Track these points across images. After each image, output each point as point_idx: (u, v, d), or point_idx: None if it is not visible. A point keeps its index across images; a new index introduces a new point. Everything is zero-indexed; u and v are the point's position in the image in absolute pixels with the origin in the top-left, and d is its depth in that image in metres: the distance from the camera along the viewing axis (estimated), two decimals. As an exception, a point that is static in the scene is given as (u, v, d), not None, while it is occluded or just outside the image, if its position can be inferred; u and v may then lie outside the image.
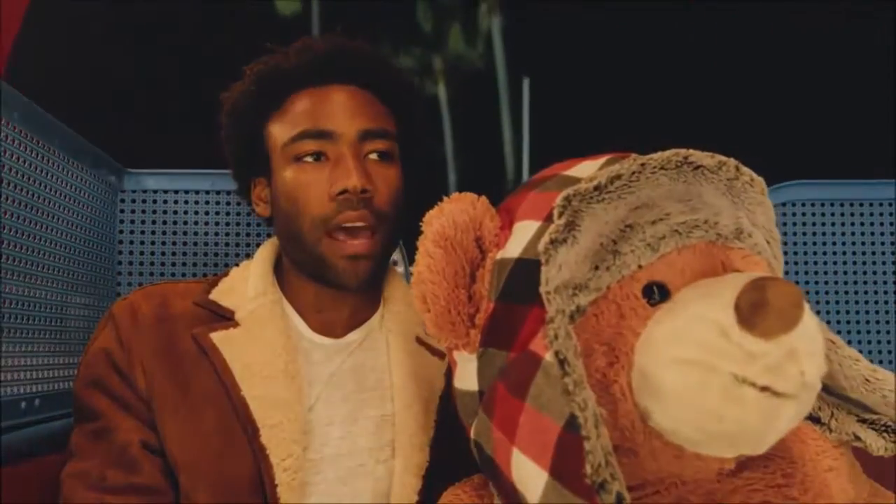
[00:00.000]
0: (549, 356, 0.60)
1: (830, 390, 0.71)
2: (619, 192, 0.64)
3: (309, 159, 0.93)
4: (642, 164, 0.65)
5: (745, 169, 0.68)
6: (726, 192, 0.68)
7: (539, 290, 0.62)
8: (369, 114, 0.95)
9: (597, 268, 0.63)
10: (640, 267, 0.63)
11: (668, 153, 0.66)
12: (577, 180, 0.67)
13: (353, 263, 0.91)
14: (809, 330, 0.56)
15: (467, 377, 0.70)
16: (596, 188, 0.64)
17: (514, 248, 0.67)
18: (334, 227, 0.91)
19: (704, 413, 0.58)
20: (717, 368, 0.56)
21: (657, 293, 0.63)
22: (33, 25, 0.91)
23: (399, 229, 0.96)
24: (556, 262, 0.63)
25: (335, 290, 0.96)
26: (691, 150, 0.67)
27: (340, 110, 0.94)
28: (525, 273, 0.65)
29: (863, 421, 0.71)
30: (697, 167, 0.66)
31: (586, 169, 0.69)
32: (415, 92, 1.05)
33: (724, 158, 0.68)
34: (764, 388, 0.56)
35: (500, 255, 0.68)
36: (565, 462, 0.57)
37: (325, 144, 0.93)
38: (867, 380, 0.69)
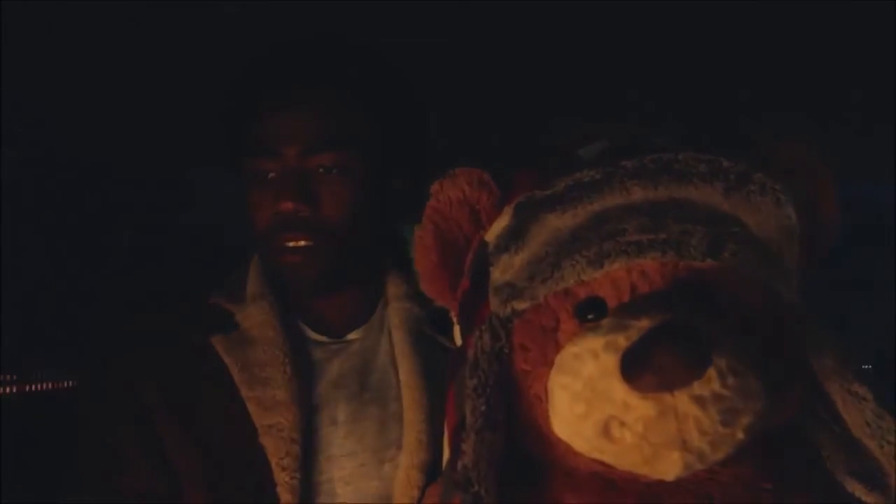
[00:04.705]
0: (471, 355, 0.62)
1: (838, 422, 0.66)
2: (577, 201, 0.63)
3: (256, 177, 0.91)
4: (610, 173, 0.62)
5: (756, 177, 0.63)
6: (724, 200, 0.63)
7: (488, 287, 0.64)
8: (317, 125, 0.90)
9: (532, 278, 0.62)
10: (582, 281, 0.61)
11: (647, 159, 0.63)
12: (579, 160, 0.66)
13: (297, 270, 0.92)
14: (705, 390, 0.53)
15: (457, 335, 0.73)
16: (549, 197, 0.63)
17: (493, 231, 0.67)
18: (278, 244, 0.91)
19: (587, 442, 0.58)
20: (599, 407, 0.56)
21: (594, 310, 0.60)
22: (34, 25, 0.91)
23: (358, 236, 0.93)
24: (500, 266, 0.64)
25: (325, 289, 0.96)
26: (680, 155, 0.63)
27: (284, 126, 0.90)
28: (486, 263, 0.66)
29: (852, 474, 0.65)
30: (684, 174, 0.63)
31: (594, 150, 0.68)
32: (401, 88, 0.97)
33: (727, 165, 0.63)
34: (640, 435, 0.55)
35: (487, 234, 0.68)
36: (453, 451, 0.61)
37: (268, 163, 0.90)
38: (867, 423, 0.62)
